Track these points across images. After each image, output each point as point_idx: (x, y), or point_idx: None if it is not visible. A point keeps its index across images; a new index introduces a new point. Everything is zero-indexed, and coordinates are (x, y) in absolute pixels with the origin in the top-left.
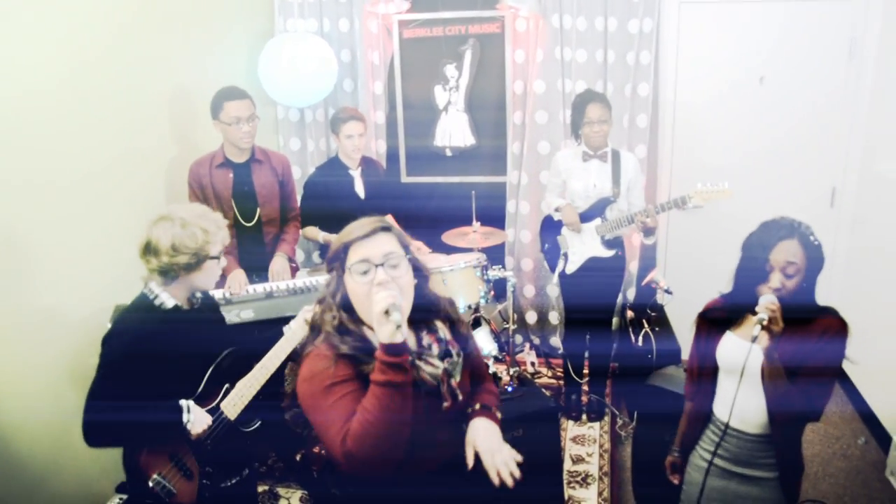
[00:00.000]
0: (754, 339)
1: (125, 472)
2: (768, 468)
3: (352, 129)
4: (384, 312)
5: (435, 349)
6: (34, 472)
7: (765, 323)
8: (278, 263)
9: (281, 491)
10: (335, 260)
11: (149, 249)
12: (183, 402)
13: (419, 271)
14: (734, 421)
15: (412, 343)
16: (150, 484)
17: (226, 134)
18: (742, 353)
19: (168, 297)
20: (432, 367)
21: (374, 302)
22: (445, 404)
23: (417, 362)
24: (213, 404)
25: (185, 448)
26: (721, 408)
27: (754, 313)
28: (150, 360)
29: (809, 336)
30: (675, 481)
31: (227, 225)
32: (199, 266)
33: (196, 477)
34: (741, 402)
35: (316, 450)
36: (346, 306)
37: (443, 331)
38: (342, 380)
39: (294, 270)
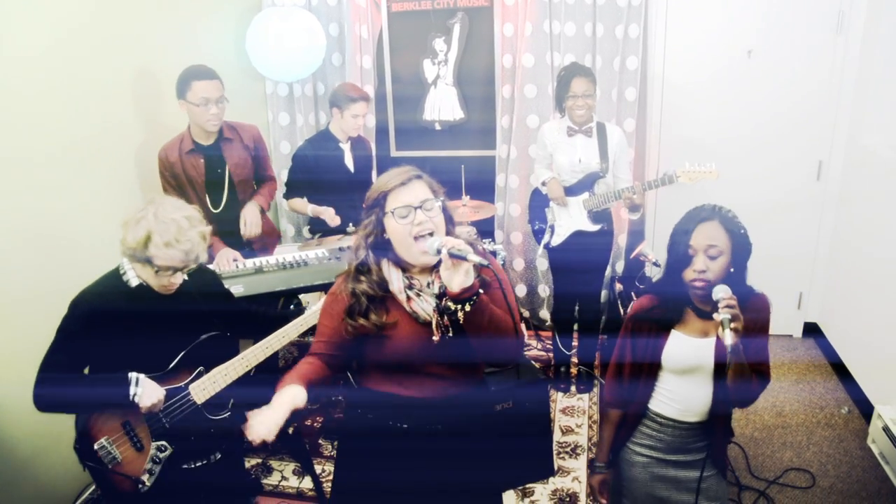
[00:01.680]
0: (731, 348)
1: (75, 430)
2: (699, 451)
3: (360, 109)
4: (451, 258)
5: (436, 285)
6: (21, 455)
7: (733, 325)
8: (249, 210)
9: (274, 464)
10: (375, 206)
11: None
12: (132, 375)
13: (447, 214)
14: (676, 413)
15: (403, 278)
16: (96, 447)
17: (192, 115)
18: (699, 352)
19: (133, 276)
20: (426, 303)
21: (425, 248)
22: (435, 337)
23: (412, 294)
24: (181, 384)
25: (139, 419)
26: (661, 405)
27: (696, 308)
28: (108, 331)
29: (751, 319)
30: (605, 502)
31: (203, 209)
32: (140, 264)
33: (147, 450)
34: (690, 395)
35: (308, 422)
36: (376, 246)
37: None
38: (338, 309)
39: (274, 237)
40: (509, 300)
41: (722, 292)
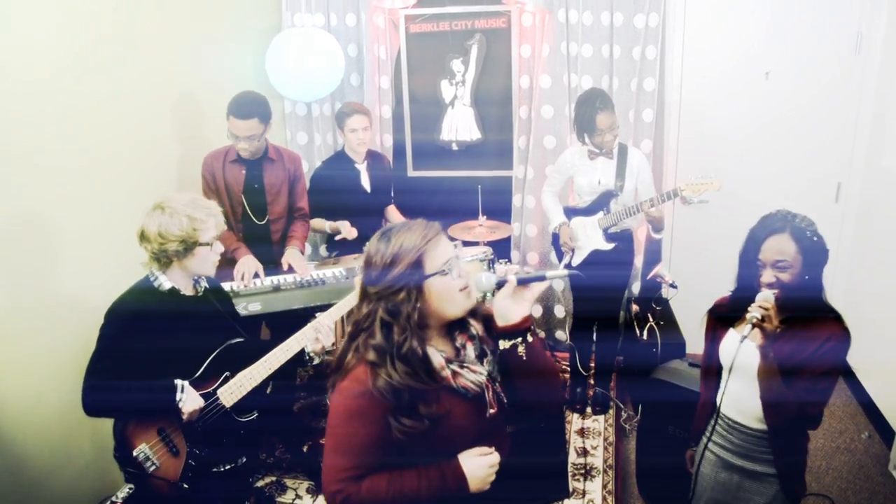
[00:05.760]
0: (744, 338)
1: (114, 438)
2: (768, 463)
3: (356, 122)
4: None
5: (470, 350)
6: (35, 470)
7: (755, 321)
8: (293, 257)
9: (288, 482)
10: (411, 274)
11: (143, 237)
12: (178, 382)
13: None
14: (736, 415)
15: (448, 348)
16: (135, 453)
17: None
18: (746, 353)
19: (165, 280)
20: (475, 374)
21: (479, 287)
22: (491, 411)
23: (455, 368)
24: (210, 389)
25: (174, 425)
26: (725, 403)
27: None
28: (145, 337)
29: (812, 339)
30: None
31: (236, 219)
32: (190, 252)
33: (183, 455)
34: (741, 396)
35: (323, 441)
36: (419, 320)
37: (475, 328)
38: (376, 412)
39: None
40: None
41: (763, 297)
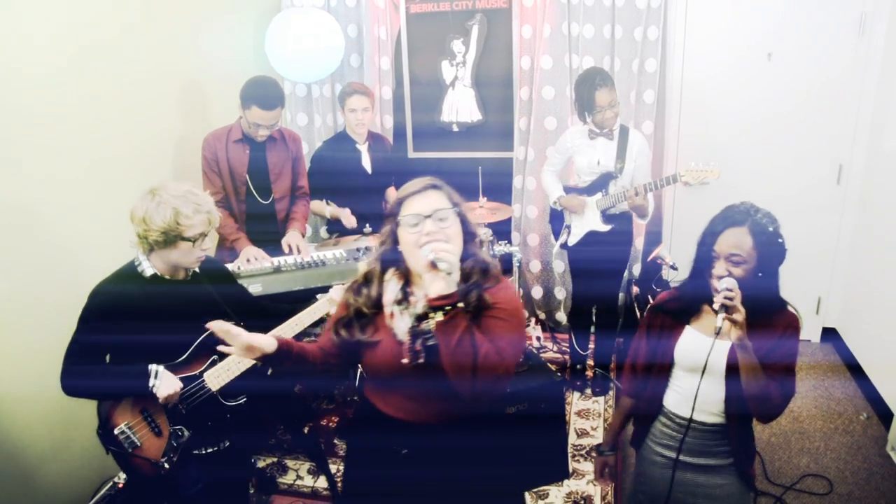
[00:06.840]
0: (718, 331)
1: (98, 416)
2: (723, 455)
3: (356, 102)
4: (431, 265)
5: (420, 305)
6: (35, 455)
7: (733, 316)
8: (294, 239)
9: (289, 463)
10: (390, 215)
11: (131, 218)
12: (152, 367)
13: (466, 227)
14: (693, 414)
15: (397, 291)
16: (116, 432)
17: (245, 123)
18: (706, 349)
19: (148, 266)
20: (402, 323)
21: (422, 255)
22: (403, 360)
23: (396, 310)
24: (196, 372)
25: (157, 405)
26: (677, 403)
27: (711, 305)
28: (124, 321)
29: (770, 333)
30: (604, 484)
31: (238, 199)
32: (172, 244)
33: (165, 435)
34: (702, 395)
35: (323, 422)
36: (388, 255)
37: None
38: (335, 320)
39: None
40: (508, 332)
41: (727, 283)
